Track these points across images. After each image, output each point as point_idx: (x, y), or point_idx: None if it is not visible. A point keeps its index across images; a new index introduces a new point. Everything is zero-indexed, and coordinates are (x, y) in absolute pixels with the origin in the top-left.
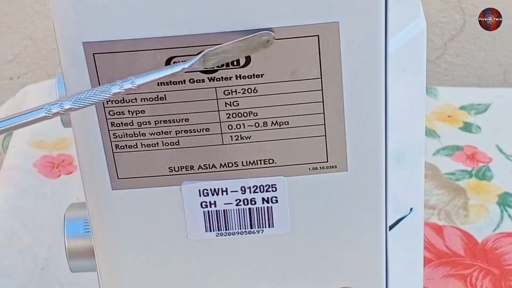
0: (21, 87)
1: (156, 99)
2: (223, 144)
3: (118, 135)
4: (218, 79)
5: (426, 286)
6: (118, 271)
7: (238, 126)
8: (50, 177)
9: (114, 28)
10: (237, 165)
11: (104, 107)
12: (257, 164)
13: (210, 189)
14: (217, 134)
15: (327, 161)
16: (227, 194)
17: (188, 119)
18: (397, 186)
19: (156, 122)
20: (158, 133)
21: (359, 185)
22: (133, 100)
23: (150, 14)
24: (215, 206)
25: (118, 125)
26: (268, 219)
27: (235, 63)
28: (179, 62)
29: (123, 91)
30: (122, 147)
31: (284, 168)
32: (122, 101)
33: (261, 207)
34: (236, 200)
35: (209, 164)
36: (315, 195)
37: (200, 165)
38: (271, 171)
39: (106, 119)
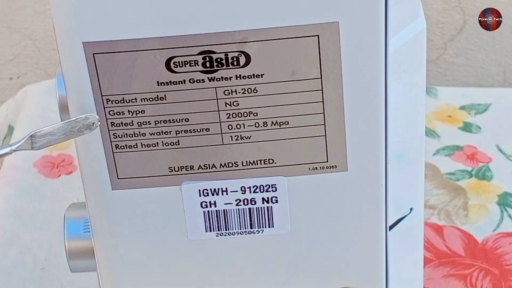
0: (21, 87)
1: (156, 99)
2: (223, 144)
3: (118, 135)
4: (218, 79)
5: (426, 286)
6: (118, 271)
7: (238, 126)
8: (50, 177)
9: (114, 28)
10: (237, 165)
11: (104, 107)
12: (257, 164)
13: (210, 189)
14: (217, 134)
15: (327, 161)
16: (227, 194)
17: (188, 119)
18: (397, 186)
19: (156, 122)
20: (158, 133)
21: (359, 185)
22: (133, 100)
23: (150, 14)
24: (215, 206)
25: (118, 125)
26: (268, 219)
27: (235, 63)
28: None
29: None
30: (122, 147)
31: (284, 168)
32: (122, 101)
33: (261, 207)
34: (236, 200)
35: (209, 164)
36: (315, 195)
37: (200, 165)
38: (271, 171)
39: (106, 119)
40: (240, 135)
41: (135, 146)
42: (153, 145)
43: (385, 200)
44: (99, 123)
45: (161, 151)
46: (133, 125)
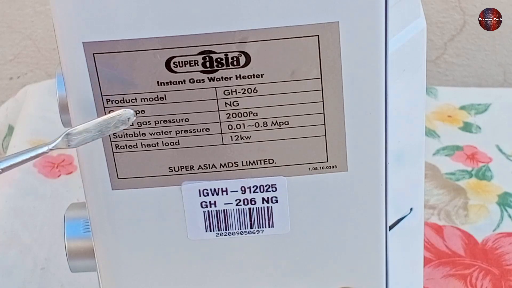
0: (21, 87)
1: (156, 99)
2: (223, 144)
3: (118, 135)
4: (218, 79)
5: (426, 286)
6: (118, 271)
7: (238, 126)
8: (50, 177)
9: (114, 28)
10: (237, 165)
11: (104, 107)
12: (257, 164)
13: (210, 189)
14: (217, 134)
15: (327, 161)
16: (227, 194)
17: (188, 119)
18: (397, 186)
19: (156, 122)
20: (158, 133)
21: (359, 185)
22: (133, 100)
23: (150, 14)
24: (215, 206)
25: None
26: (268, 219)
27: (235, 63)
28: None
29: None
30: (122, 147)
31: (284, 168)
32: (122, 101)
33: (261, 207)
34: (236, 200)
35: (209, 164)
36: (315, 195)
37: (200, 165)
38: (271, 171)
39: None
40: (240, 135)
41: (135, 146)
42: (153, 145)
43: (385, 200)
44: (134, 118)
45: (161, 151)
46: (133, 125)
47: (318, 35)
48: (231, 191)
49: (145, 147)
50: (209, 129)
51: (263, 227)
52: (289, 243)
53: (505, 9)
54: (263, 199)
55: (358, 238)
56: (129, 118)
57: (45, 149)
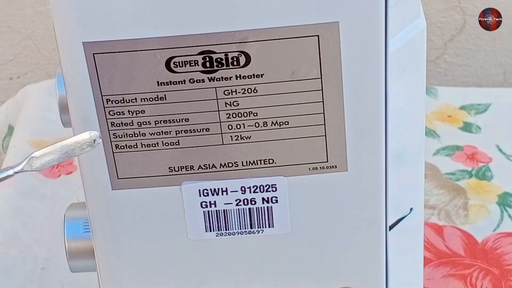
0: (21, 87)
1: (156, 99)
2: (223, 144)
3: (118, 135)
4: (218, 79)
5: (426, 286)
6: (118, 271)
7: (238, 126)
8: (50, 177)
9: (114, 28)
10: (237, 165)
11: (104, 107)
12: (257, 164)
13: (210, 189)
14: (217, 134)
15: (327, 161)
16: (227, 194)
17: (188, 119)
18: (397, 186)
19: (156, 122)
20: (158, 133)
21: (359, 185)
22: (133, 100)
23: (150, 14)
24: (215, 206)
25: (118, 125)
26: (268, 219)
27: (235, 63)
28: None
29: None
30: (122, 147)
31: (284, 168)
32: (122, 101)
33: (261, 207)
34: (236, 200)
35: (209, 164)
36: (315, 195)
37: (200, 165)
38: (271, 171)
39: (106, 119)
40: (240, 135)
41: (135, 146)
42: (153, 145)
43: (385, 200)
44: (100, 140)
45: (161, 151)
46: (133, 125)
47: (318, 35)
48: (231, 191)
49: (145, 147)
50: (209, 129)
51: (263, 227)
52: (289, 243)
53: (505, 9)
54: (263, 199)
55: (358, 238)
56: (94, 140)
57: (10, 172)
